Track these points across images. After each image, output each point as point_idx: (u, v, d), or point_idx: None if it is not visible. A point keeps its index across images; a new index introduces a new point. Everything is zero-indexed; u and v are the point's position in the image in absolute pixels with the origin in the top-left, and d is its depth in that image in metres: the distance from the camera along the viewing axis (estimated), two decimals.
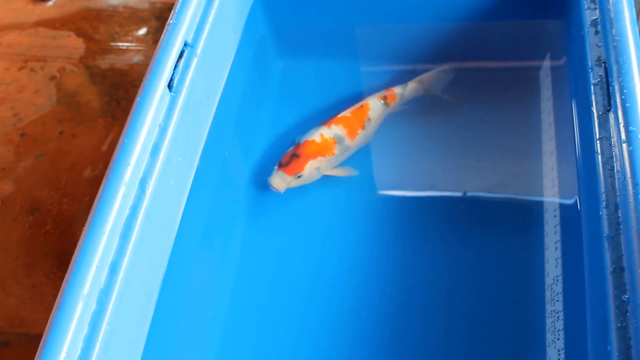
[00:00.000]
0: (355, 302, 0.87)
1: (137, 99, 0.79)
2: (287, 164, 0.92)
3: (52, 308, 0.90)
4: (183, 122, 0.84)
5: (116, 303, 0.68)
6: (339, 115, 0.96)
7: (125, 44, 1.39)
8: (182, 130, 0.83)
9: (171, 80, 0.83)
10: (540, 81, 1.02)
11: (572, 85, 0.88)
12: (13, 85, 1.33)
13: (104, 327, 0.66)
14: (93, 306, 0.66)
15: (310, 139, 0.94)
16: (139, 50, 1.37)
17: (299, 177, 0.92)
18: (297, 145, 0.94)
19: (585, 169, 0.78)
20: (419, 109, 1.04)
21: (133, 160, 0.75)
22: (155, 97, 0.80)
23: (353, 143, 0.96)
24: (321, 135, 0.94)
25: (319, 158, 0.93)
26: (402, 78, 1.06)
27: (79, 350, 0.64)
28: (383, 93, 1.00)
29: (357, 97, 1.07)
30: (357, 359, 0.82)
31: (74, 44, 1.40)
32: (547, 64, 1.04)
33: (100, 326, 0.66)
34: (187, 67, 0.86)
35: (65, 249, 1.07)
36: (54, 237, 1.09)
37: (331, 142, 0.94)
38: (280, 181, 0.91)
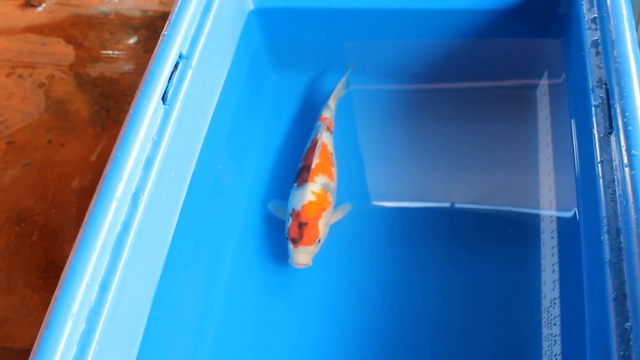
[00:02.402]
0: (348, 317, 0.85)
1: (131, 111, 0.78)
2: (301, 236, 0.87)
3: (37, 322, 0.88)
4: (177, 135, 0.82)
5: (106, 322, 0.66)
6: (312, 166, 0.92)
7: (116, 52, 1.37)
8: (175, 144, 0.82)
9: (165, 92, 0.82)
10: (537, 100, 1.02)
11: (571, 106, 0.87)
12: (0, 92, 1.30)
13: (94, 347, 0.64)
14: (82, 325, 0.65)
15: (305, 202, 0.89)
16: (129, 58, 1.35)
17: (319, 241, 0.88)
18: (297, 214, 0.89)
19: (585, 192, 0.77)
20: (415, 127, 1.03)
21: (125, 174, 0.73)
22: (149, 109, 0.78)
23: (335, 183, 0.94)
24: (312, 192, 0.90)
25: (323, 214, 0.89)
26: (398, 94, 1.06)
27: None
28: (324, 124, 0.98)
29: (349, 112, 1.07)
30: None
31: (64, 51, 1.38)
32: (544, 83, 1.03)
33: (90, 346, 0.64)
34: (181, 79, 0.85)
35: (52, 260, 1.05)
36: (40, 249, 1.06)
37: (324, 194, 0.91)
38: (305, 256, 0.86)
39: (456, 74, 1.08)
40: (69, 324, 0.63)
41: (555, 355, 0.77)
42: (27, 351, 0.97)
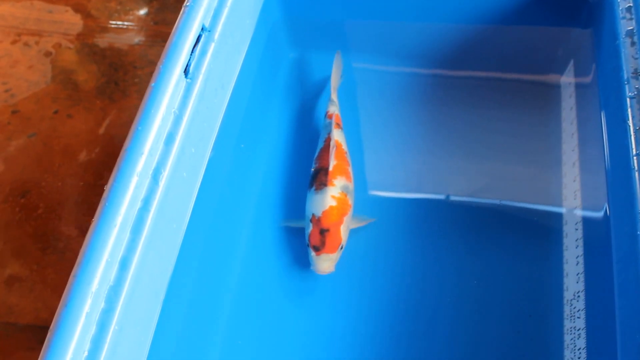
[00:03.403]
0: (363, 310, 0.84)
1: (152, 83, 0.75)
2: (324, 243, 0.83)
3: (41, 298, 0.86)
4: (198, 110, 0.79)
5: (125, 301, 0.64)
6: (330, 169, 0.87)
7: (125, 23, 1.33)
8: (196, 119, 0.79)
9: (187, 65, 0.79)
10: (561, 89, 0.99)
11: (601, 97, 0.85)
12: (5, 59, 1.27)
13: (113, 326, 0.62)
14: (102, 304, 0.62)
15: (326, 207, 0.85)
16: (139, 30, 1.32)
17: (342, 247, 0.84)
18: (318, 220, 0.84)
19: (617, 186, 0.75)
20: (434, 114, 1.01)
21: (147, 149, 0.71)
22: (170, 82, 0.76)
23: (352, 183, 0.90)
24: (332, 197, 0.86)
25: (344, 218, 0.85)
26: (418, 79, 1.04)
27: (86, 352, 0.60)
28: (332, 121, 0.94)
29: (365, 98, 1.04)
30: None
31: (71, 20, 1.35)
32: (570, 72, 1.01)
33: (109, 326, 0.62)
34: (204, 52, 0.82)
35: (56, 235, 1.02)
36: (45, 222, 1.03)
37: (344, 197, 0.87)
38: (329, 264, 0.83)
39: (479, 60, 1.05)
40: (88, 302, 0.61)
41: (579, 349, 0.76)
42: (31, 327, 0.95)
